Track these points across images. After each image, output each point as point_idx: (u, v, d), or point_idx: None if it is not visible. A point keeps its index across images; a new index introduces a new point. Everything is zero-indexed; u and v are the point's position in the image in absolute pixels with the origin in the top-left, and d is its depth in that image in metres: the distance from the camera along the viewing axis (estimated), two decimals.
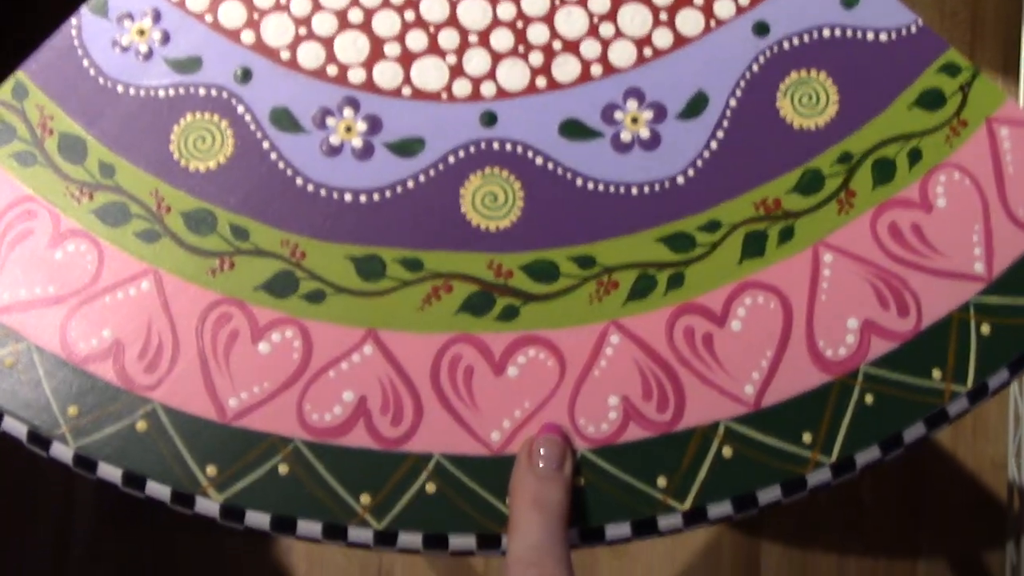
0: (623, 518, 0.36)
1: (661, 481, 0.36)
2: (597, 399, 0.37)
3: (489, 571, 0.92)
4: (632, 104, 0.39)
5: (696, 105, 0.39)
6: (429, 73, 0.39)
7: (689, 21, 0.40)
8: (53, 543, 0.94)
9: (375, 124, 0.39)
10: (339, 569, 0.93)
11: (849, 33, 0.40)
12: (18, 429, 0.37)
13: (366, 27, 0.39)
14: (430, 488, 0.36)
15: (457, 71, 0.39)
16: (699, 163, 0.39)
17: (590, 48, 0.39)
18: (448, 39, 0.39)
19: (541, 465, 0.35)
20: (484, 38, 0.39)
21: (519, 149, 0.39)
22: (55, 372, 0.37)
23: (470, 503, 0.36)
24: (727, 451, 0.36)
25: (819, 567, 0.92)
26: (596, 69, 0.39)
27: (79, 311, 0.37)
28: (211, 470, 0.36)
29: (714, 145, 0.39)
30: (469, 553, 0.37)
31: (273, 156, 0.38)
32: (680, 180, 0.39)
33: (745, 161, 0.39)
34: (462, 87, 0.39)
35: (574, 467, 0.36)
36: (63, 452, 0.37)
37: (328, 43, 0.39)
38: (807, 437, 0.37)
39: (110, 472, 0.36)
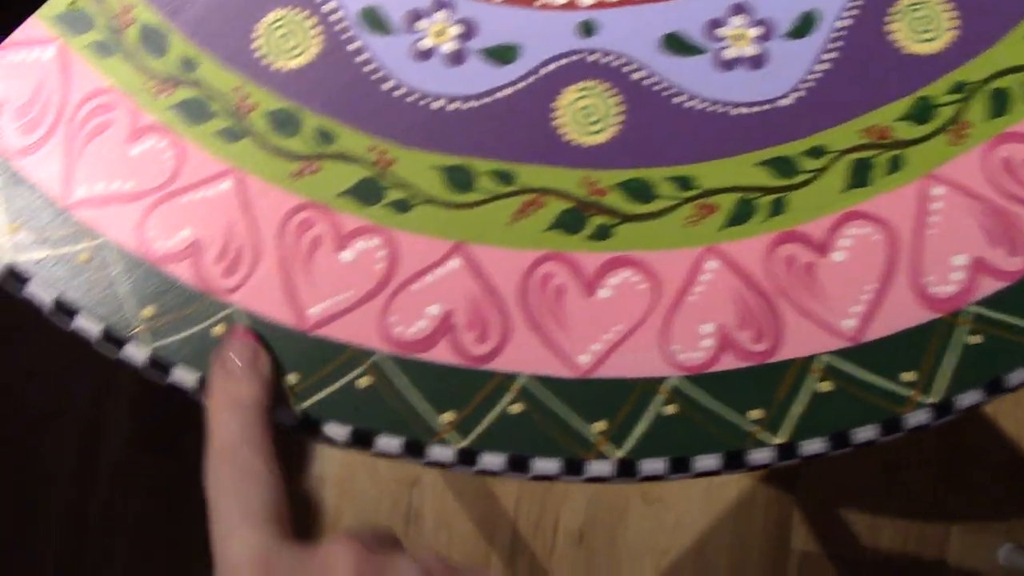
0: (712, 450, 0.35)
1: (754, 413, 0.35)
2: (691, 326, 0.35)
3: (519, 514, 0.92)
4: (738, 20, 0.37)
5: (805, 24, 0.37)
6: None
7: None
8: (80, 469, 0.94)
9: (469, 28, 0.37)
10: (369, 502, 0.93)
11: None
12: (91, 328, 0.35)
13: None
14: (515, 409, 0.35)
15: None
16: (805, 85, 0.37)
17: None
18: None
19: (232, 367, 0.34)
20: None
21: (617, 62, 0.37)
22: (131, 270, 0.35)
23: (556, 426, 0.35)
24: (824, 386, 0.35)
25: (851, 526, 0.91)
26: None
27: (157, 209, 0.36)
28: (290, 379, 0.35)
29: (822, 67, 0.37)
30: (549, 478, 0.35)
31: (362, 57, 0.36)
32: (784, 102, 0.37)
33: (853, 86, 0.37)
34: None
35: (271, 366, 0.35)
36: (136, 354, 0.35)
37: None
38: (908, 375, 0.35)
39: (184, 377, 0.35)
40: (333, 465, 0.92)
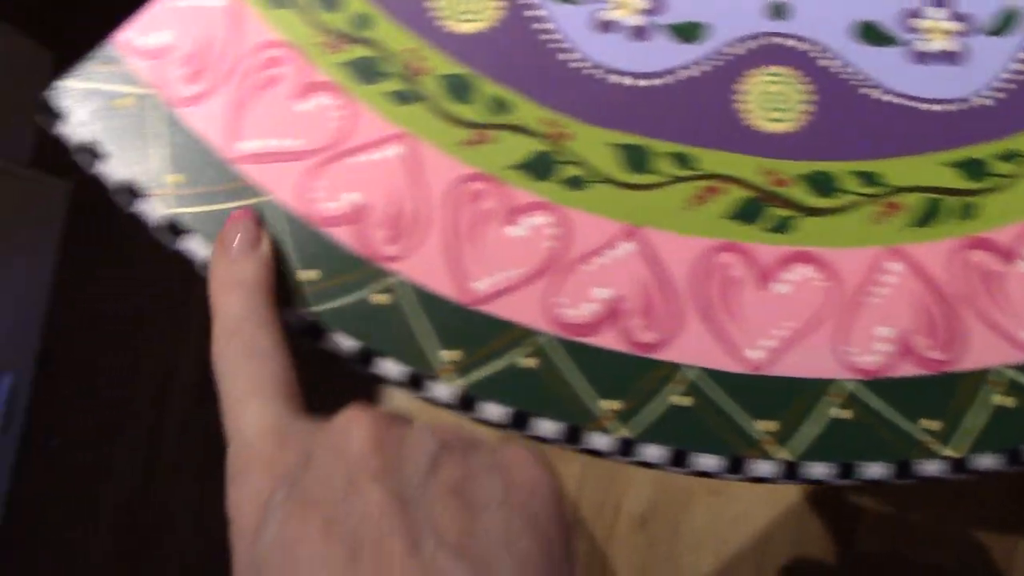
0: (883, 458, 0.34)
1: (930, 424, 0.34)
2: (869, 328, 0.34)
3: (582, 496, 0.91)
4: (935, 12, 0.35)
5: (1006, 22, 0.35)
6: None
7: None
8: (148, 416, 0.94)
9: (656, 3, 0.35)
10: None
11: None
12: None
13: None
14: (680, 401, 0.34)
15: None
16: (1002, 85, 0.35)
17: None
18: None
19: (234, 247, 0.33)
20: None
21: (808, 47, 0.35)
22: (293, 230, 0.34)
23: (723, 422, 0.34)
24: (1006, 401, 0.34)
25: (917, 532, 0.90)
26: None
27: (323, 169, 0.35)
28: (450, 354, 0.34)
29: (1020, 68, 0.35)
30: (709, 474, 0.34)
31: (542, 26, 0.35)
32: (979, 101, 0.35)
33: None
34: None
35: (272, 246, 0.34)
36: (295, 317, 0.35)
37: None
38: None
39: (342, 343, 0.34)
40: None
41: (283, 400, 0.30)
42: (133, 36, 0.35)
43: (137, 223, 0.35)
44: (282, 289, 0.34)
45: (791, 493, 0.91)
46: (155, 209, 0.35)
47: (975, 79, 0.35)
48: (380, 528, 0.25)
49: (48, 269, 0.94)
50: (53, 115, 0.35)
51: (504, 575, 0.25)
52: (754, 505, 0.90)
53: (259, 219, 0.34)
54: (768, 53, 0.35)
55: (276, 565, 0.25)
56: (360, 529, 0.25)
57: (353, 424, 0.28)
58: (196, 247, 0.35)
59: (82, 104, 0.35)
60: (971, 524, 0.90)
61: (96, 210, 0.94)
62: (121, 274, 0.94)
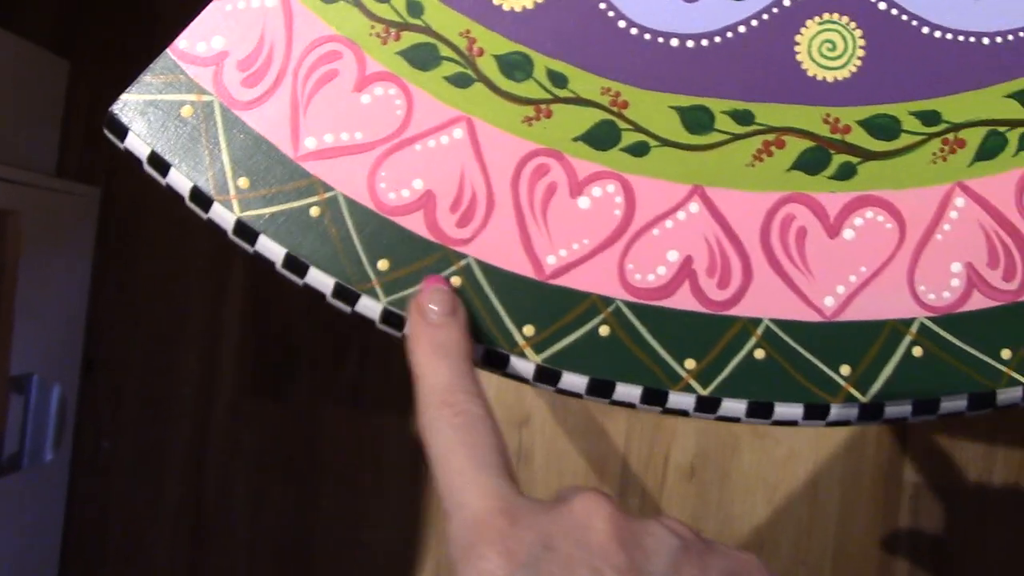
0: (961, 390, 0.34)
1: (1005, 353, 0.34)
2: (939, 265, 0.35)
3: (630, 450, 0.93)
4: None
5: None
6: None
7: None
8: (195, 408, 0.96)
9: None
10: None
11: None
12: (324, 282, 0.35)
13: None
14: (759, 354, 0.35)
15: None
16: None
17: None
18: None
19: (434, 315, 0.33)
20: None
21: None
22: (365, 223, 0.35)
23: (801, 370, 0.35)
24: None
25: (966, 459, 0.91)
26: None
27: (388, 159, 0.35)
28: (528, 329, 0.35)
29: None
30: (793, 423, 0.35)
31: None
32: None
33: None
34: None
35: (467, 313, 0.34)
36: (372, 307, 0.35)
37: None
38: None
39: None
40: None
41: (506, 475, 0.30)
42: (188, 44, 0.35)
43: (170, 223, 0.36)
44: (357, 282, 0.35)
45: (835, 431, 0.92)
46: (226, 214, 0.35)
47: None
48: None
49: (86, 276, 0.95)
50: (119, 130, 0.35)
51: None
52: (800, 446, 0.91)
53: (451, 286, 0.35)
54: (818, 2, 0.35)
55: None
56: None
57: (594, 513, 0.28)
58: (272, 249, 0.35)
59: (145, 117, 0.35)
60: (1015, 445, 0.91)
61: (126, 212, 0.95)
62: (157, 271, 0.95)
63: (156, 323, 0.96)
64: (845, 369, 0.35)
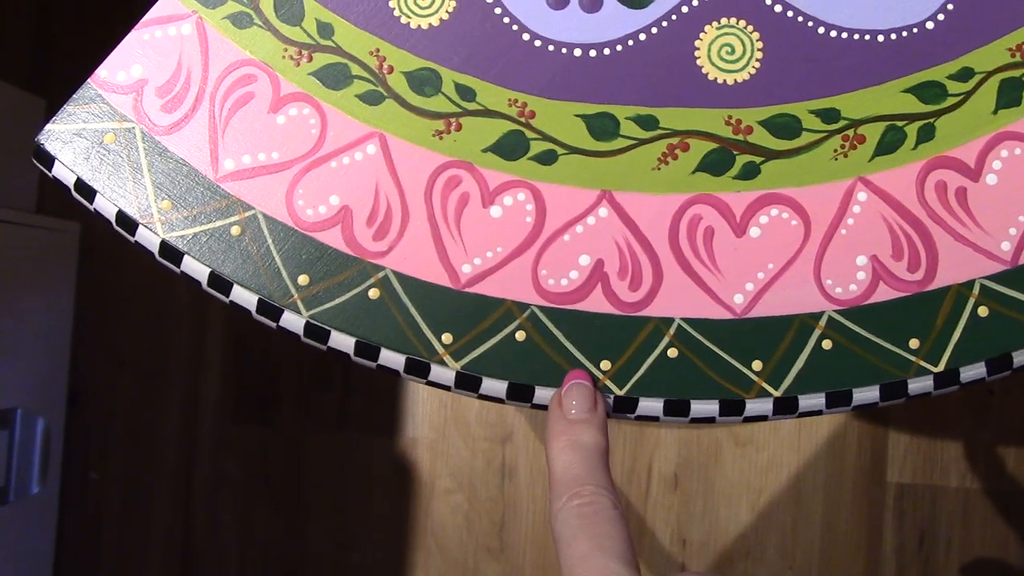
0: (872, 381, 0.35)
1: (913, 343, 0.35)
2: (844, 259, 0.35)
3: (613, 462, 0.93)
4: None
5: None
6: None
7: None
8: (180, 437, 0.97)
9: None
10: (463, 462, 0.94)
11: None
12: (248, 299, 0.36)
13: None
14: (672, 353, 0.35)
15: None
16: (949, 7, 0.36)
17: None
18: None
19: (573, 411, 0.34)
20: None
21: None
22: (284, 240, 0.36)
23: (714, 367, 0.35)
24: (982, 310, 0.35)
25: (947, 457, 0.91)
26: None
27: (305, 177, 0.36)
28: (447, 337, 0.36)
29: None
30: (709, 420, 0.36)
31: (497, 11, 0.36)
32: (929, 25, 0.36)
33: (998, 4, 0.36)
34: None
35: (607, 409, 0.35)
36: (294, 322, 0.36)
37: None
38: None
39: (342, 342, 0.36)
40: (425, 427, 0.94)
41: (631, 564, 0.30)
42: (108, 73, 0.37)
43: (142, 254, 0.37)
44: (280, 298, 0.36)
45: (816, 433, 0.92)
46: (151, 237, 0.36)
47: (923, 5, 0.36)
48: None
49: (69, 310, 0.97)
50: (46, 159, 0.37)
51: None
52: (781, 451, 0.92)
53: (593, 382, 0.35)
54: (718, 7, 0.36)
55: None
56: None
57: None
58: (196, 269, 0.36)
59: (70, 146, 0.36)
60: (999, 439, 0.91)
61: (107, 245, 0.96)
62: (139, 303, 0.97)
63: (140, 354, 0.97)
64: (757, 364, 0.35)
